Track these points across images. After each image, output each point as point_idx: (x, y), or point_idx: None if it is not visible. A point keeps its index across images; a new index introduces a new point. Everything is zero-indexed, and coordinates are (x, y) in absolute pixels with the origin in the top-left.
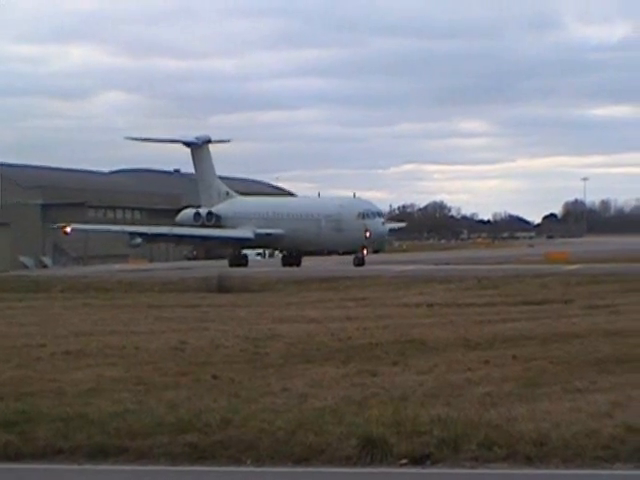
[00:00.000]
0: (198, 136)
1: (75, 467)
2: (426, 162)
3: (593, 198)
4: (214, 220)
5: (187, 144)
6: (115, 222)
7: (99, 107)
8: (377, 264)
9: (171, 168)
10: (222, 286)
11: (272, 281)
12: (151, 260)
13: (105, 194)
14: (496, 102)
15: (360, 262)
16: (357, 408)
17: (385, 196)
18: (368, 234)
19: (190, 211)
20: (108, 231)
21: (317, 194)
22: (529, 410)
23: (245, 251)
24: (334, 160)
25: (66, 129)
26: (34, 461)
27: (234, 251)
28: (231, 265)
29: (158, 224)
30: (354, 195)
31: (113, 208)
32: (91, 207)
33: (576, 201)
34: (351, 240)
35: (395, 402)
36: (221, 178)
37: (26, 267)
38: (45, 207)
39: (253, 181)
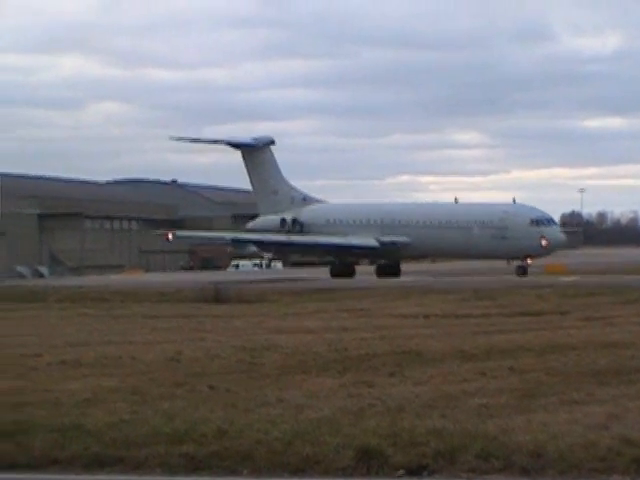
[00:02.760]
0: (257, 137)
1: (71, 477)
2: (421, 173)
3: (590, 210)
4: (297, 227)
5: (237, 146)
6: (112, 232)
7: (93, 117)
8: (370, 274)
9: (168, 178)
10: (218, 296)
11: (268, 292)
12: (147, 270)
13: (101, 204)
14: (489, 114)
15: (524, 272)
16: (354, 419)
17: None
18: (545, 242)
19: (275, 217)
20: (219, 238)
21: (454, 199)
22: (525, 421)
23: (239, 261)
24: (328, 171)
25: (61, 139)
26: (30, 471)
27: (340, 260)
28: (334, 275)
29: (156, 234)
30: (514, 200)
31: (110, 218)
32: (88, 217)
33: (573, 212)
34: (519, 249)
35: (392, 413)
36: (217, 189)
37: (23, 277)
38: (42, 217)
39: (245, 191)
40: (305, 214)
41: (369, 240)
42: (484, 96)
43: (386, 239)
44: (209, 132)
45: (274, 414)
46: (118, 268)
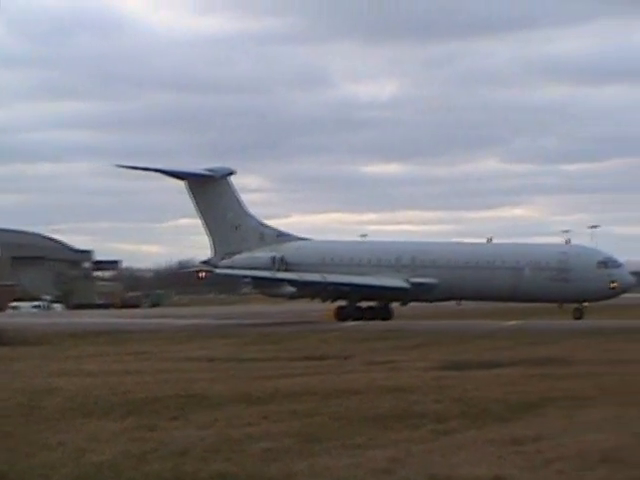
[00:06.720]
0: (214, 168)
1: None
2: None
3: None
4: (284, 266)
5: (181, 177)
6: None
7: None
8: (157, 318)
9: None
10: None
11: (50, 334)
12: None
13: None
14: (269, 158)
15: (581, 315)
16: (136, 463)
17: (164, 250)
18: (614, 285)
19: (263, 255)
20: (259, 277)
21: (488, 239)
22: (309, 465)
23: (19, 302)
24: (107, 213)
25: None
26: None
27: (351, 302)
28: (343, 319)
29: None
30: (567, 241)
31: None
32: None
33: None
34: (583, 292)
35: (175, 457)
36: None
37: None
38: None
39: (26, 233)
40: (290, 252)
41: (397, 281)
42: (264, 140)
43: (416, 280)
44: None
45: (55, 458)
46: None
